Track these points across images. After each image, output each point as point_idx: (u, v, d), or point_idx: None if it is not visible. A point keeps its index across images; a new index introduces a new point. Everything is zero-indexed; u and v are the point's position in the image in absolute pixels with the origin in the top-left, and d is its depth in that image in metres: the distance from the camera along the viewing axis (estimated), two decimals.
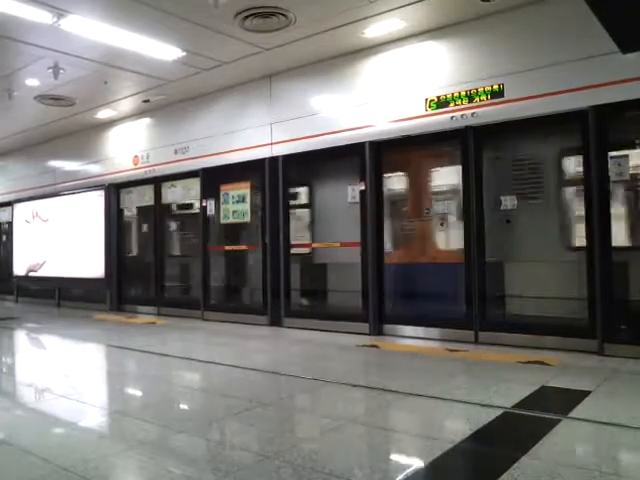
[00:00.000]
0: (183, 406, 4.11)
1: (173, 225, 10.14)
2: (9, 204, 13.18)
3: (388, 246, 7.16)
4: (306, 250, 8.21)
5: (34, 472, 2.71)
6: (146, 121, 10.03)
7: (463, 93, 6.22)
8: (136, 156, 10.07)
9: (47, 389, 4.64)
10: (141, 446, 3.07)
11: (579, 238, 5.85)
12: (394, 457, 2.95)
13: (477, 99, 6.13)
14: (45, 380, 5.01)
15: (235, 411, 3.88)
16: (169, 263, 9.91)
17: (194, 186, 9.12)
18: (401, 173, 7.49)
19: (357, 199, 7.12)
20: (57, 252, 11.40)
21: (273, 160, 7.91)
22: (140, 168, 9.97)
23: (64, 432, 3.55)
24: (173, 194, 9.64)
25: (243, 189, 8.38)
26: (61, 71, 7.67)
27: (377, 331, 6.84)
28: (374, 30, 6.51)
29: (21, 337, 8.06)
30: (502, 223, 6.37)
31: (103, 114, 10.07)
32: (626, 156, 5.40)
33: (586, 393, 3.93)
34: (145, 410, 3.96)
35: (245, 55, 7.26)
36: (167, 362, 5.68)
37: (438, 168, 7.13)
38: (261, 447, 3.02)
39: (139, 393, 4.67)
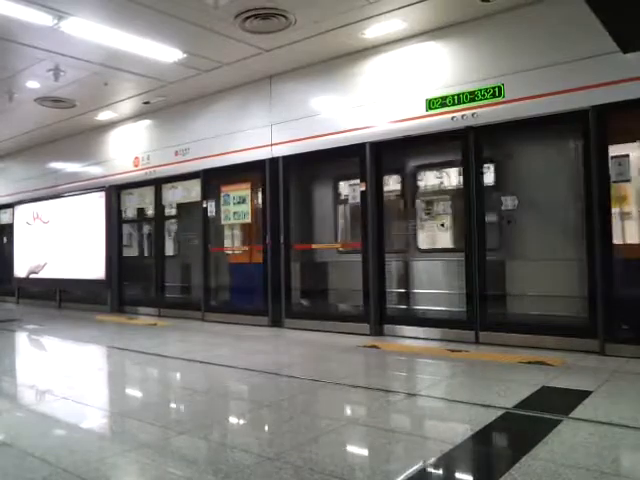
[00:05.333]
0: (184, 407, 4.11)
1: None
2: (10, 206, 13.20)
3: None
4: None
5: (34, 473, 2.70)
6: (146, 123, 10.03)
7: (463, 93, 6.22)
8: (137, 157, 10.07)
9: (48, 391, 4.64)
10: (142, 447, 3.07)
11: None
12: (395, 458, 2.95)
13: (477, 99, 6.12)
14: (46, 382, 5.01)
15: (236, 412, 3.88)
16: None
17: (195, 187, 9.12)
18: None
19: (357, 199, 7.13)
20: (58, 254, 11.41)
21: (273, 161, 7.91)
22: (141, 169, 9.98)
23: (65, 433, 3.55)
24: (174, 195, 9.65)
25: (244, 190, 8.39)
26: (61, 73, 7.69)
27: (377, 332, 6.83)
28: (374, 31, 6.51)
29: (22, 339, 8.06)
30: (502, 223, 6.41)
31: (104, 116, 10.08)
32: (627, 156, 5.40)
33: (587, 393, 3.93)
34: (146, 411, 3.96)
35: (245, 56, 7.26)
36: (168, 363, 5.68)
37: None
38: (262, 448, 3.02)
39: (140, 394, 4.67)
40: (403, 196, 7.54)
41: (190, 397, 4.39)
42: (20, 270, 12.55)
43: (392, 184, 7.56)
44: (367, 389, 4.35)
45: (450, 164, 6.97)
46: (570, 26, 5.52)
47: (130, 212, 10.79)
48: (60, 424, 3.75)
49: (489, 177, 6.46)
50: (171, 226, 10.16)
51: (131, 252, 10.82)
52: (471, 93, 6.17)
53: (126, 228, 10.92)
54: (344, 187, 8.06)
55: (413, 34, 6.59)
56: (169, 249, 10.10)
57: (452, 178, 7.06)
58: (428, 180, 7.33)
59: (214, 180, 8.83)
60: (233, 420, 3.72)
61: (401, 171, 7.51)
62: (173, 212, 10.09)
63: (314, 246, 8.15)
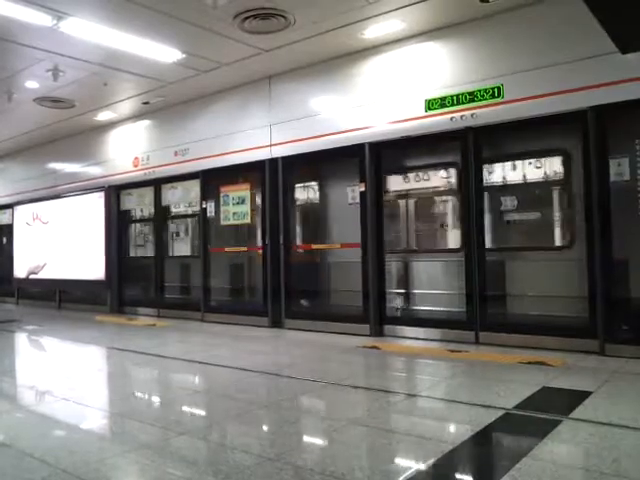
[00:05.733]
0: (184, 408, 4.10)
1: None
2: (10, 206, 13.19)
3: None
4: None
5: (34, 474, 2.70)
6: (146, 123, 10.03)
7: (462, 94, 6.22)
8: (136, 158, 10.07)
9: (48, 391, 4.64)
10: (142, 448, 3.07)
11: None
12: (395, 459, 2.95)
13: (476, 100, 6.12)
14: (46, 382, 5.01)
15: (236, 413, 3.87)
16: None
17: (194, 187, 9.11)
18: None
19: (357, 200, 7.13)
20: (58, 254, 11.40)
21: (273, 161, 7.91)
22: (140, 170, 9.97)
23: (64, 434, 3.55)
24: (173, 196, 9.65)
25: (243, 191, 8.39)
26: (60, 73, 7.68)
27: (378, 332, 6.83)
28: (373, 31, 6.51)
29: (22, 339, 8.05)
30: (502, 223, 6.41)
31: (103, 116, 10.07)
32: (626, 156, 5.40)
33: (587, 394, 3.93)
34: (146, 412, 3.96)
35: (244, 56, 7.26)
36: (168, 364, 5.68)
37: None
38: (262, 449, 3.01)
39: (140, 395, 4.66)
40: (460, 191, 6.94)
41: (190, 398, 4.38)
42: (20, 271, 12.54)
43: (438, 180, 7.22)
44: (367, 390, 4.35)
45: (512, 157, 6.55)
46: (569, 26, 5.52)
47: (147, 211, 10.66)
48: (60, 425, 3.75)
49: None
50: (178, 226, 10.12)
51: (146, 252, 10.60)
52: (470, 94, 6.17)
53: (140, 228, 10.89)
54: (345, 188, 8.00)
55: (412, 34, 6.59)
56: (186, 249, 9.99)
57: (517, 171, 6.59)
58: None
59: (213, 180, 8.82)
60: (233, 421, 3.71)
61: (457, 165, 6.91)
62: (190, 211, 9.95)
63: (314, 246, 8.13)
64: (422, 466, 2.77)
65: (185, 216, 10.06)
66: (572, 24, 5.47)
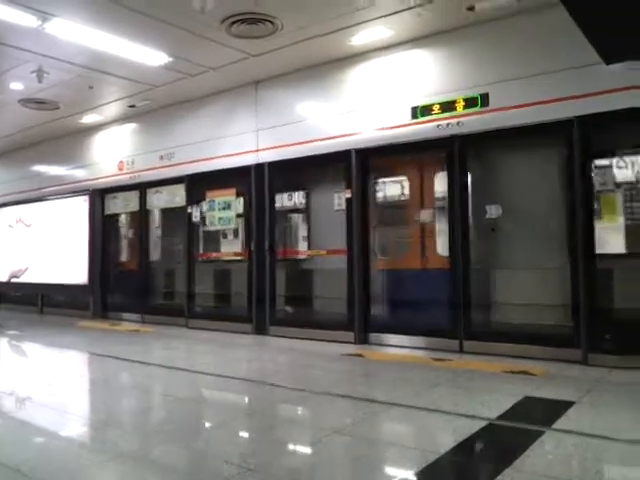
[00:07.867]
0: (165, 416, 4.05)
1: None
2: None
3: None
4: None
5: None
6: (131, 126, 9.96)
7: (449, 102, 6.23)
8: (121, 161, 9.99)
9: (27, 398, 4.56)
10: (122, 457, 3.02)
11: None
12: (378, 469, 2.92)
13: (463, 108, 6.14)
14: (25, 389, 4.92)
15: (218, 421, 3.83)
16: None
17: (180, 192, 9.05)
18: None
19: (343, 207, 7.12)
20: (40, 258, 11.26)
21: (259, 167, 7.88)
22: (125, 174, 9.89)
23: (43, 442, 3.48)
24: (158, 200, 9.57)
25: (229, 196, 8.34)
26: (45, 75, 7.60)
27: (362, 340, 6.80)
28: (361, 38, 6.51)
29: (2, 345, 7.93)
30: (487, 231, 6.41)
31: (88, 119, 9.98)
32: (610, 166, 5.44)
33: (570, 404, 3.93)
34: (127, 420, 3.90)
35: (231, 61, 7.23)
36: (150, 371, 5.61)
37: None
38: (244, 459, 2.97)
39: (121, 403, 4.60)
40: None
41: (172, 405, 4.33)
42: (1, 274, 12.38)
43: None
44: (351, 398, 4.32)
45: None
46: (556, 36, 5.55)
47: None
48: (38, 432, 3.67)
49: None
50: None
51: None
52: (456, 101, 6.19)
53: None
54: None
55: (399, 42, 6.60)
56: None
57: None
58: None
59: (199, 185, 8.76)
60: (215, 429, 3.67)
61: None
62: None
63: (301, 253, 8.10)
64: (406, 476, 2.74)
65: None
66: (559, 34, 5.49)
